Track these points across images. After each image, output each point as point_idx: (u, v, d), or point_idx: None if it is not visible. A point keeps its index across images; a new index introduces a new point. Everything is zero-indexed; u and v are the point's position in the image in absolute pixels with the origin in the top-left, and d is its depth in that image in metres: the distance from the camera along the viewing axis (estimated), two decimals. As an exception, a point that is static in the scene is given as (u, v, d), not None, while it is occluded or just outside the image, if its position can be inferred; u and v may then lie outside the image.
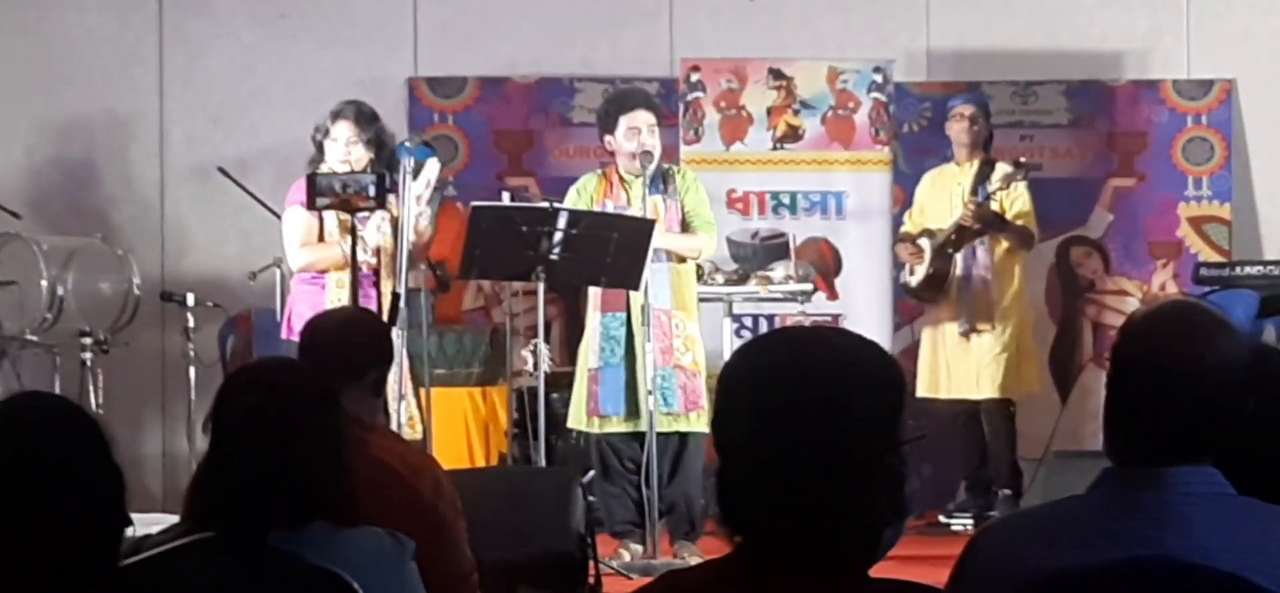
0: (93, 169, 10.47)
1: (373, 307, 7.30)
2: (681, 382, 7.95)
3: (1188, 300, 3.17)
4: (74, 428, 2.83)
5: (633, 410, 7.92)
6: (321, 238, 7.71)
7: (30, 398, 3.07)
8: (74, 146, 10.46)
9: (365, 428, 4.19)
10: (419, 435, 7.71)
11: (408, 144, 7.62)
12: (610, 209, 8.02)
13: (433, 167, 7.64)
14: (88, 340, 9.20)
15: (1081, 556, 2.63)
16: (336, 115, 7.79)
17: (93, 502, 2.78)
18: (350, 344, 4.52)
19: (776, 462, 2.40)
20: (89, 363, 9.19)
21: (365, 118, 7.78)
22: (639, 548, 7.93)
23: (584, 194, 8.14)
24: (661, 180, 8.11)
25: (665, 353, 7.91)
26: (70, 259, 9.33)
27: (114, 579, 2.83)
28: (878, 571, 2.47)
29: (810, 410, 2.40)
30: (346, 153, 7.69)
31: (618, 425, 7.99)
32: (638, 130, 8.00)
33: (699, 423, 7.91)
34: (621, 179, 8.08)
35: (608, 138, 8.13)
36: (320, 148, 7.77)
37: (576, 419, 8.17)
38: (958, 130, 9.33)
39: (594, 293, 8.12)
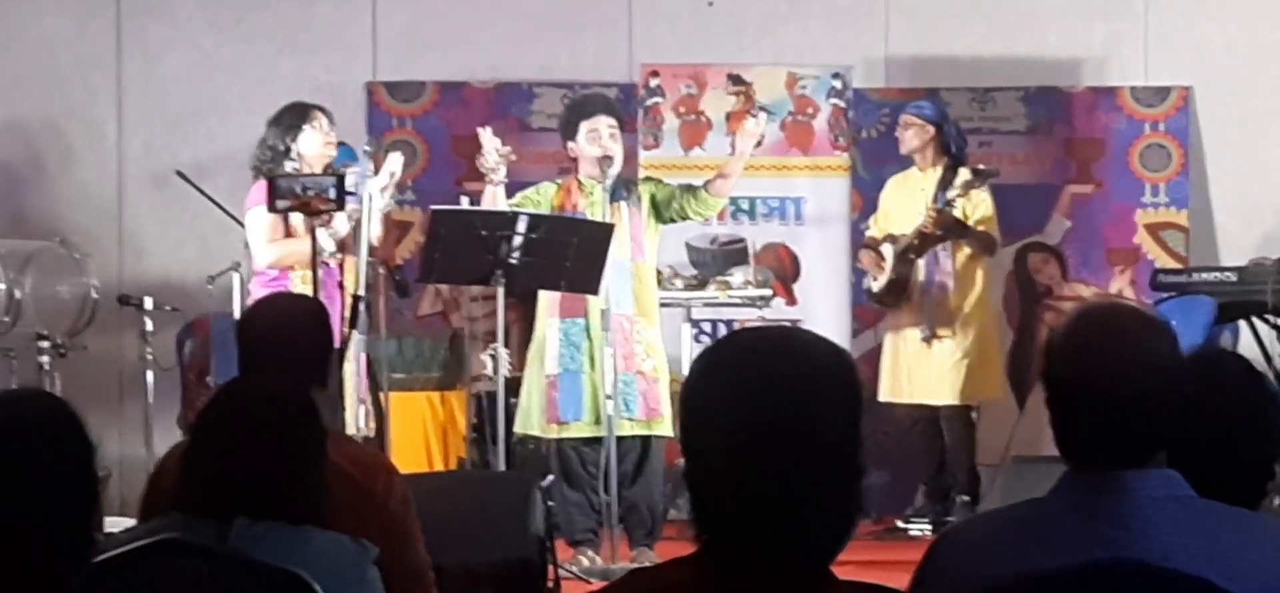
0: (51, 173, 10.43)
1: (336, 307, 7.25)
2: (642, 388, 7.93)
3: (1109, 302, 3.18)
4: (58, 435, 2.79)
5: (595, 416, 7.89)
6: (288, 233, 7.58)
7: (24, 396, 3.05)
8: (32, 151, 10.41)
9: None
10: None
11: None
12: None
13: (396, 159, 7.63)
14: (45, 344, 9.16)
15: (1045, 558, 2.64)
16: (305, 113, 7.74)
17: (60, 516, 2.75)
18: (293, 338, 4.36)
19: (750, 474, 2.39)
20: (46, 366, 9.14)
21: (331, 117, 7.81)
22: (597, 554, 7.92)
23: (541, 201, 8.06)
24: (625, 187, 8.10)
25: (627, 359, 7.88)
26: (28, 263, 9.27)
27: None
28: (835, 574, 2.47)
29: (784, 426, 2.38)
30: (324, 145, 7.66)
31: (578, 431, 7.96)
32: (598, 134, 7.98)
33: (659, 427, 7.91)
34: (581, 185, 8.05)
35: (569, 144, 8.09)
36: (286, 151, 7.65)
37: (525, 424, 8.08)
38: (904, 138, 9.29)
39: (547, 299, 8.06)
